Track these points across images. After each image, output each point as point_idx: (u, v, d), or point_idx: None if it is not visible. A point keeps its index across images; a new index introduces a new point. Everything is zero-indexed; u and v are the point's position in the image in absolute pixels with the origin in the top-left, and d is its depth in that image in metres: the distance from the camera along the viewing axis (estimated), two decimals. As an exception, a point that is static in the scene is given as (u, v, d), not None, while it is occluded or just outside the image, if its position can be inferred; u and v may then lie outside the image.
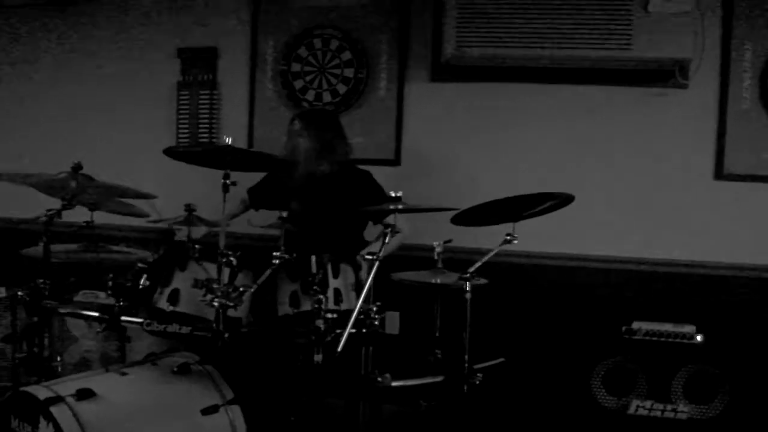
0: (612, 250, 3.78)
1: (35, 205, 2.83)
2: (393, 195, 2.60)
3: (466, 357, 2.69)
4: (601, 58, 3.48)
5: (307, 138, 3.34)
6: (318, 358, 2.41)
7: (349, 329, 2.34)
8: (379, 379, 2.56)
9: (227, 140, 2.42)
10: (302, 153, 3.32)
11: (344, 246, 3.08)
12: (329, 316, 2.49)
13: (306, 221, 3.14)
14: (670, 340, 3.26)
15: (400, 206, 2.58)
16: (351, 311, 2.42)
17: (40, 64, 4.36)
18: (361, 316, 2.56)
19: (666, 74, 3.62)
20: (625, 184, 3.79)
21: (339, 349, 2.32)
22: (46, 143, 4.28)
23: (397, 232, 2.57)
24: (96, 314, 2.72)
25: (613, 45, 3.40)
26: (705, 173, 3.73)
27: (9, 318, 3.45)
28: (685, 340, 3.25)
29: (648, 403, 3.19)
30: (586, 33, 3.42)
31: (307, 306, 2.55)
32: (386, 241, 2.53)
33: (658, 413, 3.14)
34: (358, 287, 2.67)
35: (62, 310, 2.87)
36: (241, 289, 2.45)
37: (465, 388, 2.69)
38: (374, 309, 2.62)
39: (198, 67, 4.14)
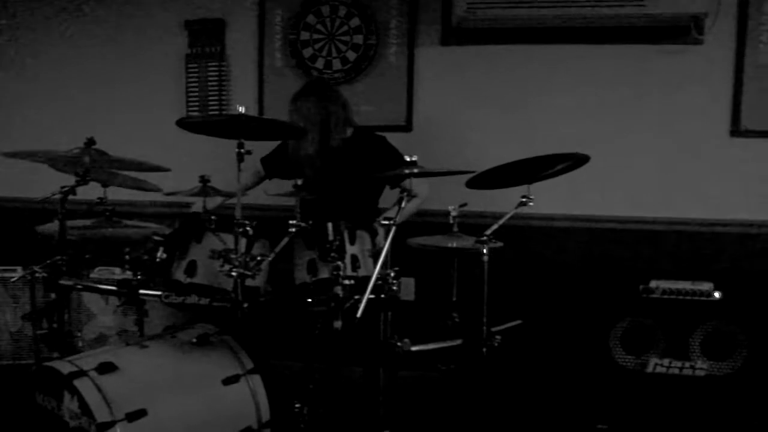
0: (628, 210, 3.77)
1: (49, 183, 2.83)
2: (408, 159, 2.58)
3: (485, 320, 2.69)
4: (614, 16, 3.44)
5: (310, 116, 3.28)
6: (337, 324, 2.41)
7: (367, 295, 2.34)
8: (399, 344, 2.57)
9: (240, 109, 2.40)
10: (309, 131, 3.26)
11: (360, 212, 3.07)
12: (347, 282, 2.49)
13: (321, 188, 3.13)
14: (687, 297, 3.25)
15: (415, 170, 2.56)
16: (369, 277, 2.42)
17: (48, 42, 4.34)
18: (379, 282, 2.55)
19: (681, 30, 3.57)
20: (640, 143, 3.76)
21: (358, 315, 2.32)
22: (56, 120, 4.29)
23: (414, 197, 2.55)
24: (114, 288, 2.73)
25: (627, 2, 3.35)
26: (721, 130, 3.70)
27: (28, 296, 3.49)
28: (702, 298, 3.24)
29: (666, 361, 3.19)
30: (599, -10, 3.38)
31: (324, 273, 2.55)
32: (402, 206, 2.52)
33: (677, 371, 3.14)
34: (375, 253, 2.66)
35: (81, 286, 2.89)
36: (258, 258, 2.45)
37: (483, 350, 2.70)
38: (392, 274, 2.61)
39: (206, 39, 4.11)
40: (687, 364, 3.17)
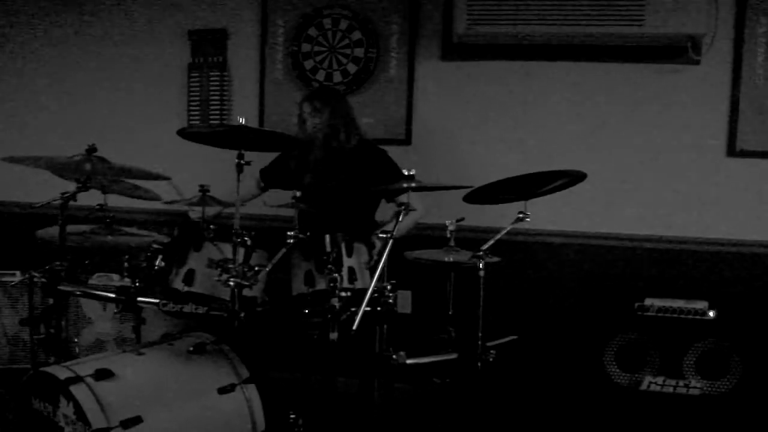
0: (624, 228, 3.78)
1: (49, 189, 2.85)
2: (406, 173, 2.60)
3: (480, 334, 2.70)
4: (613, 35, 3.47)
5: (321, 115, 3.35)
6: (333, 336, 2.42)
7: (363, 307, 2.35)
8: (394, 356, 2.58)
9: (241, 120, 2.42)
10: (319, 130, 3.34)
11: (357, 225, 3.09)
12: (344, 294, 2.51)
13: (319, 198, 3.15)
14: (682, 316, 3.27)
15: (413, 184, 2.58)
16: (365, 290, 2.44)
17: (51, 49, 4.36)
18: (376, 295, 2.57)
19: (679, 50, 3.60)
20: (637, 161, 3.78)
21: (354, 327, 2.34)
22: (58, 127, 4.31)
23: (412, 211, 2.57)
24: (113, 295, 2.74)
25: (626, 21, 3.39)
26: (717, 150, 3.72)
27: (26, 300, 3.49)
28: (697, 316, 3.26)
29: (660, 379, 3.20)
30: (599, 9, 3.41)
31: (321, 285, 2.56)
32: (400, 219, 2.54)
33: (671, 389, 3.16)
34: (372, 266, 2.68)
35: (80, 292, 2.90)
36: (256, 268, 2.47)
37: (478, 365, 2.71)
38: (388, 287, 2.63)
39: (208, 49, 4.14)
40: (681, 383, 3.18)
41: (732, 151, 3.70)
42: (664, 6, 3.36)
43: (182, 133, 2.59)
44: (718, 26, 3.57)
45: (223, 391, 2.57)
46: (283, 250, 2.54)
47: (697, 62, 3.66)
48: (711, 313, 3.25)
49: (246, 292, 2.50)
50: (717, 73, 3.68)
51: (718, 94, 3.69)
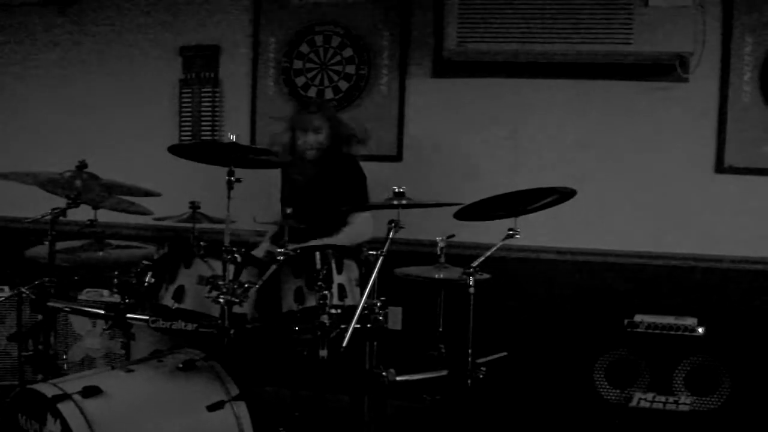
0: (614, 244, 3.80)
1: (40, 205, 2.84)
2: (396, 190, 2.61)
3: (470, 351, 2.70)
4: (602, 53, 3.50)
5: (325, 133, 3.36)
6: (323, 353, 2.42)
7: (353, 324, 2.35)
8: (384, 374, 2.57)
9: (232, 137, 2.43)
10: (312, 147, 3.34)
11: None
12: (334, 311, 2.51)
13: (309, 216, 3.14)
14: (671, 332, 3.28)
15: (403, 201, 2.59)
16: (355, 307, 2.44)
17: (42, 64, 4.36)
18: (366, 312, 2.57)
19: (667, 68, 3.63)
20: (626, 178, 3.80)
21: (344, 344, 2.33)
22: (49, 143, 4.30)
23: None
24: (102, 312, 2.73)
25: (614, 40, 3.43)
26: (706, 167, 3.75)
27: (15, 317, 3.47)
28: (686, 333, 3.27)
29: (650, 396, 3.21)
30: (588, 28, 3.45)
31: (311, 302, 2.56)
32: (390, 236, 2.55)
33: (660, 405, 3.16)
34: (363, 282, 2.68)
35: (69, 308, 2.88)
36: (246, 285, 2.46)
37: (469, 382, 2.71)
38: (378, 304, 2.63)
39: (200, 65, 4.15)
40: (671, 399, 3.18)
41: (720, 167, 3.73)
42: (651, 25, 3.40)
43: (174, 149, 2.59)
44: (706, 45, 3.61)
45: (212, 408, 2.55)
46: (273, 266, 2.54)
47: (686, 80, 3.69)
48: (700, 330, 3.27)
49: (236, 308, 2.49)
50: (705, 91, 3.71)
51: (706, 111, 3.73)
